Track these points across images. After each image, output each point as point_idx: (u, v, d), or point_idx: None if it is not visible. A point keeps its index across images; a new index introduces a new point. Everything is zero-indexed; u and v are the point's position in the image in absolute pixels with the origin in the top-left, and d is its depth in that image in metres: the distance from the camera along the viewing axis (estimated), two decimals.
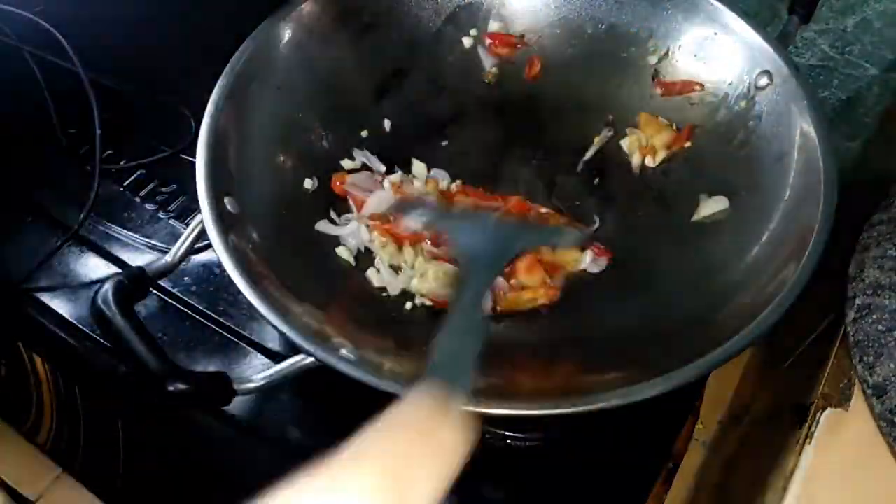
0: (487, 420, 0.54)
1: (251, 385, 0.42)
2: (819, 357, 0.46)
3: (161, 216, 0.68)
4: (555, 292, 0.54)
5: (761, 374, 0.65)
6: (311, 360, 0.43)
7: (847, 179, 0.75)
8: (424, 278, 0.55)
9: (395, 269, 0.56)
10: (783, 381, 0.55)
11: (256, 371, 0.56)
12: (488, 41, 0.65)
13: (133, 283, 0.44)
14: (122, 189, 0.69)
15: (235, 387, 0.42)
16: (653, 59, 0.61)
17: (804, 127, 0.51)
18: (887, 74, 0.68)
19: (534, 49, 0.65)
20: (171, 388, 0.39)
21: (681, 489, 0.65)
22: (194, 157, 0.51)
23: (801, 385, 0.47)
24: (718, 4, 0.58)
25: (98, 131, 0.66)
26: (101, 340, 0.59)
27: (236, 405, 0.55)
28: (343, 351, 0.44)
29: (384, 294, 0.55)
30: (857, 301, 0.42)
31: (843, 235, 0.48)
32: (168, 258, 0.47)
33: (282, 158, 0.58)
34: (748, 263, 0.50)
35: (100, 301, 0.42)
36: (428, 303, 0.55)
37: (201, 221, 0.48)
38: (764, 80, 0.55)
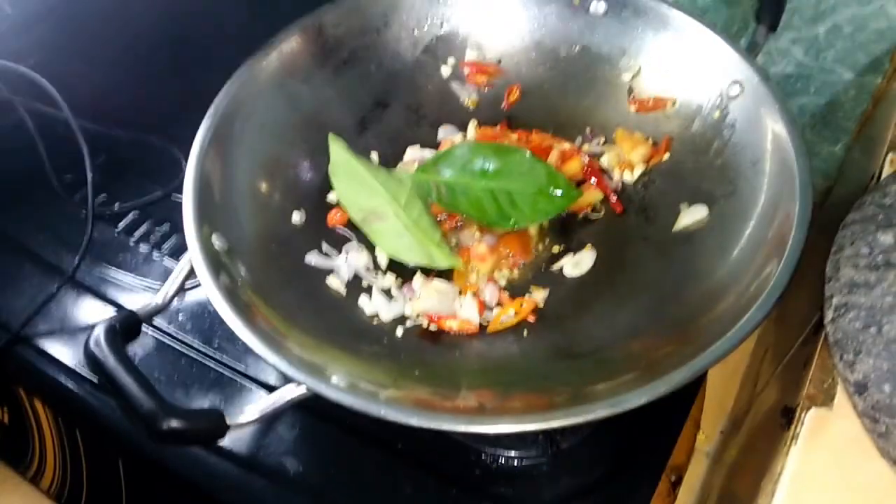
0: (481, 439, 0.54)
1: (244, 419, 0.43)
2: (805, 359, 0.47)
3: (155, 256, 0.69)
4: (534, 304, 0.55)
5: (756, 381, 0.65)
6: (303, 390, 0.44)
7: (832, 183, 0.77)
8: (419, 298, 0.56)
9: (388, 294, 0.57)
10: (775, 386, 0.55)
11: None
12: (466, 70, 0.67)
13: (124, 325, 0.45)
14: (116, 232, 0.71)
15: (229, 421, 0.42)
16: (627, 77, 0.63)
17: (776, 130, 0.52)
18: (863, 77, 0.69)
19: (511, 74, 0.67)
20: (164, 427, 0.40)
21: (685, 501, 0.65)
22: None
23: (790, 388, 0.48)
24: (687, 18, 0.59)
25: (90, 176, 0.67)
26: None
27: (237, 440, 0.56)
28: (334, 378, 0.45)
29: (376, 321, 0.56)
30: (835, 300, 0.42)
31: (828, 238, 0.48)
32: (158, 299, 0.48)
33: (268, 193, 0.59)
34: (730, 267, 0.50)
35: (92, 344, 0.43)
36: (423, 322, 0.56)
37: (189, 260, 0.49)
38: (735, 90, 0.56)
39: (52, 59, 0.74)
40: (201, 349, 0.62)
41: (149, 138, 0.76)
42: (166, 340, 0.62)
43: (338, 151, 0.61)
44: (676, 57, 0.60)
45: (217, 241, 0.51)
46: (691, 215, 0.56)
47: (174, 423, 0.40)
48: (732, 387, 0.72)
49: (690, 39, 0.59)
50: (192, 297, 0.65)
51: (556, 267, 0.58)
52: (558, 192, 0.57)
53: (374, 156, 0.65)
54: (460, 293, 0.56)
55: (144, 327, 0.48)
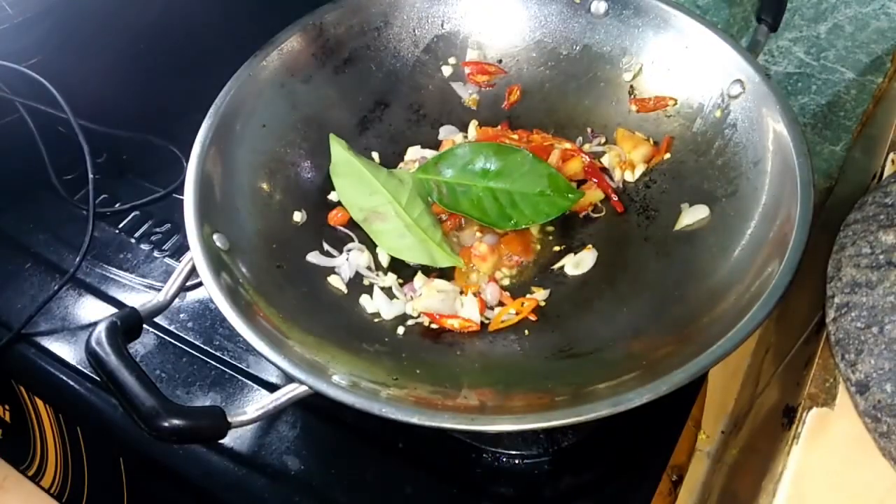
0: (481, 438, 0.54)
1: (245, 417, 0.43)
2: (806, 359, 0.47)
3: (156, 255, 0.69)
4: (535, 303, 0.55)
5: (758, 381, 0.65)
6: (304, 389, 0.44)
7: (833, 182, 0.77)
8: (420, 297, 0.56)
9: (389, 293, 0.57)
10: (777, 386, 0.55)
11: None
12: (467, 70, 0.67)
13: (126, 322, 0.45)
14: (117, 231, 0.71)
15: (230, 419, 0.42)
16: (628, 76, 0.63)
17: (777, 130, 0.52)
18: (864, 77, 0.69)
19: (511, 74, 0.67)
20: (165, 425, 0.40)
21: (686, 500, 0.65)
22: None
23: (792, 388, 0.48)
24: (687, 18, 0.59)
25: (91, 175, 0.67)
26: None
27: (238, 439, 0.56)
28: (335, 377, 0.45)
29: (377, 320, 0.56)
30: (836, 300, 0.42)
31: (830, 237, 0.48)
32: (160, 297, 0.48)
33: (269, 193, 0.59)
34: (731, 266, 0.51)
35: (93, 342, 0.43)
36: (424, 321, 0.56)
37: (191, 259, 0.49)
38: (736, 89, 0.56)
39: (52, 59, 0.74)
40: (202, 347, 0.62)
41: (150, 138, 0.76)
42: (167, 339, 0.62)
43: (339, 151, 0.61)
44: (677, 56, 0.60)
45: (218, 241, 0.51)
46: (692, 215, 0.56)
47: (175, 422, 0.40)
48: (734, 386, 0.72)
49: (691, 39, 0.59)
50: (193, 295, 0.65)
51: (557, 266, 0.58)
52: (559, 192, 0.57)
53: (375, 156, 0.65)
54: (461, 293, 0.56)
55: (146, 326, 0.48)
